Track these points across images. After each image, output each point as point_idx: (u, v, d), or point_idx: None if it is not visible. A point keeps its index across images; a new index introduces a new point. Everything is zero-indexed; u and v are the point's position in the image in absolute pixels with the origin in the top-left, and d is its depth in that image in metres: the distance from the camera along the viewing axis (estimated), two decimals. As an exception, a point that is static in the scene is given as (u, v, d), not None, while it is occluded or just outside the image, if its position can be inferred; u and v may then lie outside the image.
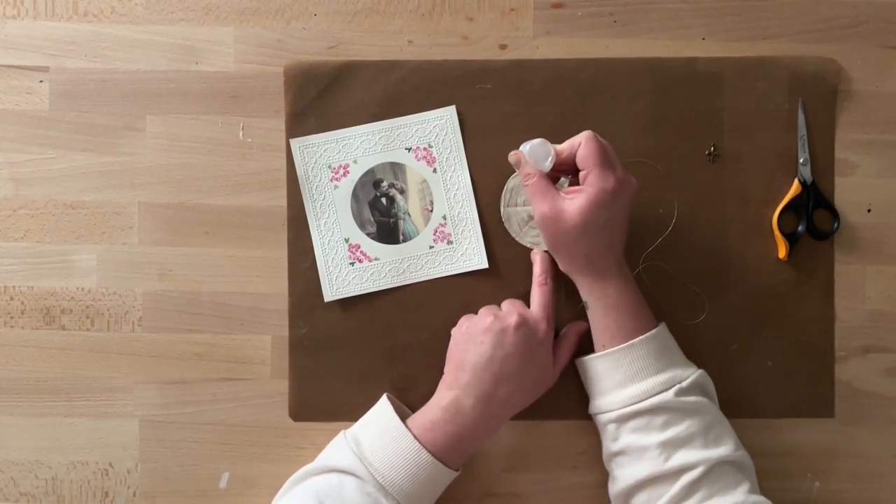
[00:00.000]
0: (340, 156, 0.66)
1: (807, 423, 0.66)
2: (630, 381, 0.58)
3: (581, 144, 0.58)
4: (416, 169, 0.66)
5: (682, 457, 0.55)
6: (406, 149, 0.66)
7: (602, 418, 0.59)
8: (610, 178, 0.56)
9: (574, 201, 0.57)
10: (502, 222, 0.65)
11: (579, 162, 0.58)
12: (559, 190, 0.59)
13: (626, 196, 0.57)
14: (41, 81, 0.66)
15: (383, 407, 0.61)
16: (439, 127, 0.66)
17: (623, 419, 0.57)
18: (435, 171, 0.66)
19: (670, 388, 0.57)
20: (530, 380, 0.60)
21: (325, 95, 0.66)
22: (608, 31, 0.66)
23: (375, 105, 0.66)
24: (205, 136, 0.66)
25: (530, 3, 0.66)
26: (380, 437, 0.59)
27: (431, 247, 0.66)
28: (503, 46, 0.66)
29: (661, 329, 0.60)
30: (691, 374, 0.58)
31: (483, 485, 0.66)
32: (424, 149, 0.66)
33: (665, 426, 0.56)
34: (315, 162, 0.66)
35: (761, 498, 0.55)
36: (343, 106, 0.66)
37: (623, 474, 0.58)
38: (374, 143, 0.66)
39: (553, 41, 0.66)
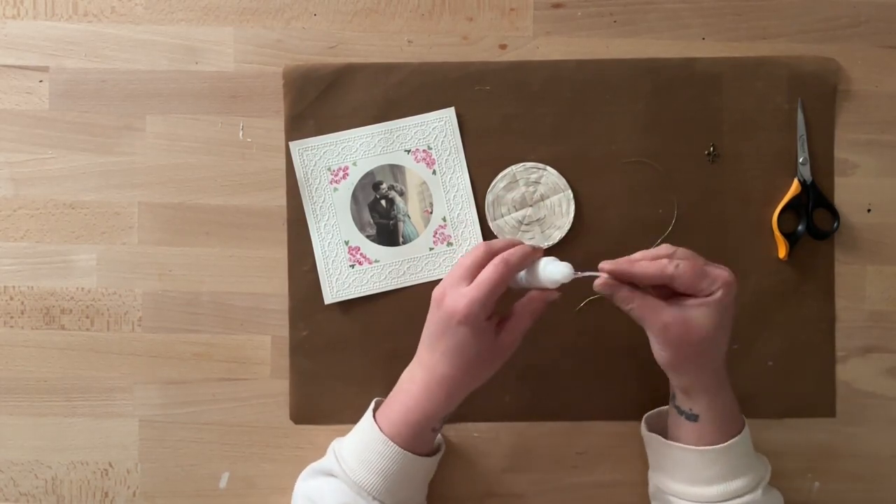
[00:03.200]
0: (340, 158, 0.66)
1: (807, 423, 0.66)
2: (724, 478, 0.56)
3: (672, 275, 0.53)
4: (415, 171, 0.66)
5: None
6: (405, 151, 0.66)
7: (671, 500, 0.59)
8: (724, 275, 0.54)
9: (702, 308, 0.53)
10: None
11: (686, 283, 0.53)
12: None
13: (735, 290, 0.54)
14: (41, 81, 0.66)
15: (369, 410, 0.61)
16: (438, 129, 0.66)
17: None
18: (434, 172, 0.66)
19: (757, 486, 0.57)
20: (465, 358, 0.55)
21: (324, 98, 0.66)
22: (608, 31, 0.66)
23: (375, 107, 0.66)
24: (205, 136, 0.66)
25: (530, 3, 0.66)
26: (355, 434, 0.59)
27: (431, 248, 0.66)
28: (503, 46, 0.66)
29: (747, 426, 0.59)
30: (767, 468, 0.59)
31: (483, 485, 0.66)
32: (424, 151, 0.66)
33: None
34: (314, 164, 0.66)
35: None
36: (342, 108, 0.66)
37: None
38: (374, 145, 0.66)
39: (553, 41, 0.66)
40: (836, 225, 0.65)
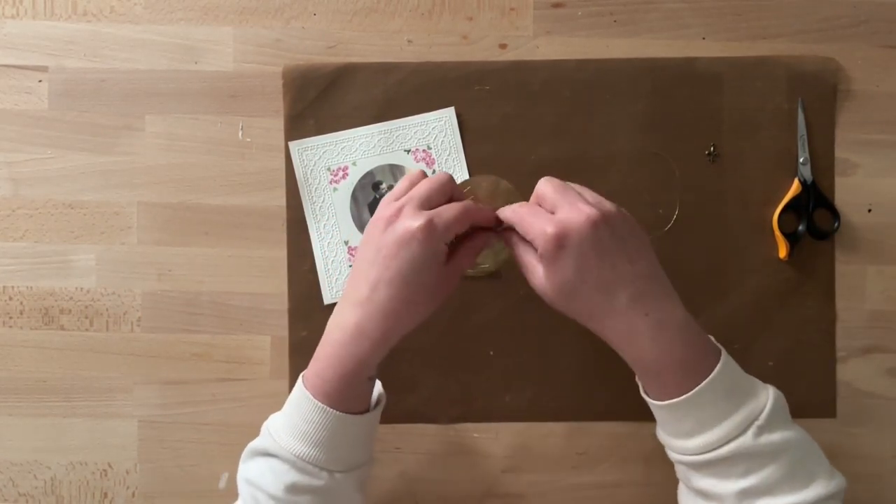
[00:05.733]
0: (339, 158, 0.66)
1: (807, 423, 0.65)
2: (699, 430, 0.49)
3: (509, 214, 0.52)
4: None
5: None
6: (405, 150, 0.66)
7: (671, 455, 0.53)
8: (547, 228, 0.48)
9: (540, 268, 0.50)
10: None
11: (523, 231, 0.51)
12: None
13: (581, 234, 0.48)
14: (40, 81, 0.66)
15: (300, 379, 0.55)
16: (438, 128, 0.66)
17: (696, 466, 0.50)
18: (434, 172, 0.66)
19: (747, 428, 0.48)
20: (414, 283, 0.50)
21: (323, 98, 0.66)
22: (608, 30, 0.66)
23: (374, 107, 0.66)
24: (204, 136, 0.66)
25: (530, 2, 0.66)
26: (289, 406, 0.54)
27: None
28: (503, 46, 0.66)
29: (725, 363, 0.51)
30: (765, 401, 0.50)
31: (483, 485, 0.66)
32: (423, 150, 0.66)
33: (745, 473, 0.48)
34: (314, 164, 0.66)
35: None
36: (342, 108, 0.66)
37: None
38: (373, 144, 0.66)
39: (553, 41, 0.66)
40: (836, 225, 0.65)
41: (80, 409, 0.66)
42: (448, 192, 0.53)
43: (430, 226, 0.49)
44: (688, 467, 0.51)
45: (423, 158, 0.66)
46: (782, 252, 0.65)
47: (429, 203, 0.52)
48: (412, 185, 0.53)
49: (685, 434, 0.50)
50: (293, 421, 0.53)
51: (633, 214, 0.65)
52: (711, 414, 0.49)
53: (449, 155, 0.66)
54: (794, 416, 0.65)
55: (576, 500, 0.66)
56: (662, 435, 0.54)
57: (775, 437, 0.49)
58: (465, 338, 0.66)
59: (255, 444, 0.55)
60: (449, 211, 0.51)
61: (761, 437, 0.48)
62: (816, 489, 0.48)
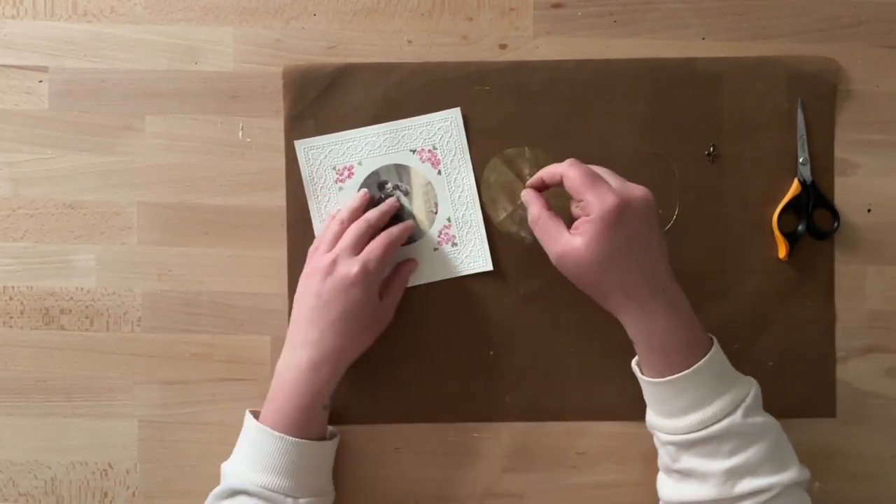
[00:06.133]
0: (345, 157, 0.66)
1: (807, 423, 0.66)
2: (696, 406, 0.53)
3: (563, 175, 0.55)
4: (420, 171, 0.66)
5: (749, 484, 0.52)
6: (411, 150, 0.66)
7: (661, 437, 0.56)
8: (608, 196, 0.52)
9: (582, 236, 0.53)
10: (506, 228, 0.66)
11: (571, 193, 0.55)
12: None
13: (638, 209, 0.53)
14: (40, 81, 0.66)
15: (247, 420, 0.60)
16: (444, 129, 0.66)
17: (688, 445, 0.54)
18: (440, 172, 0.66)
19: (737, 407, 0.53)
20: (357, 322, 0.58)
21: (324, 98, 0.66)
22: (608, 31, 0.66)
23: (375, 107, 0.66)
24: (204, 136, 0.66)
25: (530, 2, 0.66)
26: (244, 446, 0.59)
27: (436, 249, 0.66)
28: (503, 46, 0.66)
29: (717, 346, 0.55)
30: (750, 387, 0.55)
31: (483, 485, 0.66)
32: (429, 151, 0.66)
33: (732, 452, 0.52)
34: (320, 164, 0.66)
35: None
36: (342, 108, 0.66)
37: (684, 491, 0.55)
38: (379, 144, 0.66)
39: (553, 41, 0.66)
40: (836, 225, 0.65)
41: (80, 408, 0.66)
42: (371, 233, 0.60)
43: (365, 270, 0.57)
44: (678, 448, 0.54)
45: (429, 158, 0.66)
46: (782, 252, 0.65)
47: (360, 247, 0.59)
48: (341, 225, 0.61)
49: (680, 411, 0.53)
50: (255, 457, 0.57)
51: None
52: (708, 391, 0.53)
53: (455, 155, 0.66)
54: (793, 416, 0.66)
55: (576, 500, 0.66)
56: (655, 419, 0.56)
57: (759, 419, 0.54)
58: (465, 338, 0.66)
59: (218, 489, 0.58)
60: (375, 251, 0.59)
61: (748, 418, 0.53)
62: (791, 473, 0.53)
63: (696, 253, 0.66)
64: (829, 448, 0.66)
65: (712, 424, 0.52)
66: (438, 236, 0.66)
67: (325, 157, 0.66)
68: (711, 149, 0.66)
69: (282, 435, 0.57)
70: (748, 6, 0.66)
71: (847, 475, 0.66)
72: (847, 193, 0.66)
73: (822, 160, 0.66)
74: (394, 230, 0.62)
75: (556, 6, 0.66)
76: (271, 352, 0.66)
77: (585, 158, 0.65)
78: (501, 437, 0.66)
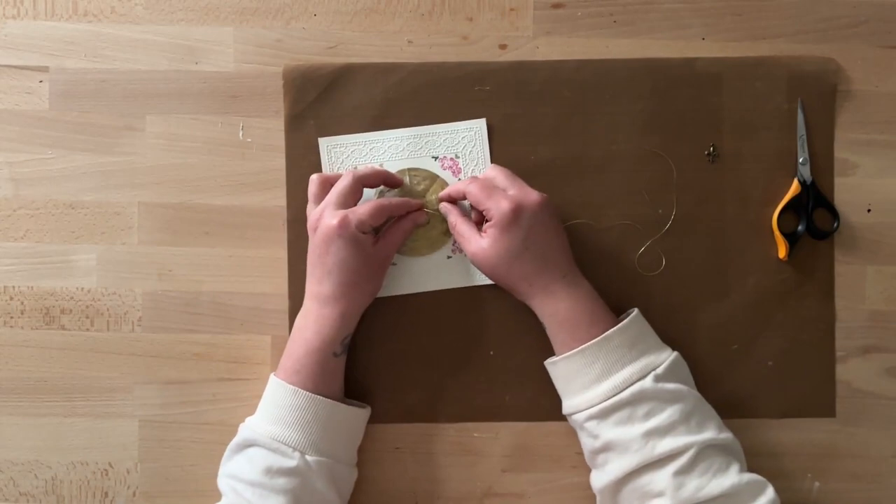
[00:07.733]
0: (368, 158, 0.66)
1: (807, 423, 0.66)
2: (607, 374, 0.57)
3: (465, 191, 0.61)
4: (441, 178, 0.66)
5: (668, 443, 0.55)
6: (433, 157, 0.66)
7: (580, 417, 0.59)
8: (503, 203, 0.58)
9: (486, 238, 0.59)
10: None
11: (474, 205, 0.61)
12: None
13: (531, 211, 0.58)
14: (41, 81, 0.66)
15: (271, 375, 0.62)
16: (468, 138, 0.66)
17: (604, 414, 0.57)
18: (460, 181, 0.66)
19: (647, 374, 0.56)
20: (349, 271, 0.60)
21: (324, 98, 0.66)
22: (608, 31, 0.66)
23: (374, 107, 0.66)
24: (204, 136, 0.66)
25: (530, 3, 0.66)
26: (263, 400, 0.61)
27: (449, 257, 0.66)
28: (503, 46, 0.66)
29: (635, 318, 0.59)
30: (666, 358, 0.58)
31: (483, 485, 0.66)
32: (451, 159, 0.66)
33: (648, 416, 0.56)
34: (342, 162, 0.66)
35: (755, 476, 0.55)
36: (342, 108, 0.66)
37: (609, 469, 0.57)
38: (402, 148, 0.66)
39: (553, 41, 0.66)
40: (836, 225, 0.65)
41: (80, 408, 0.66)
42: (357, 189, 0.61)
43: (344, 221, 0.59)
44: (597, 421, 0.57)
45: (450, 167, 0.66)
46: (782, 252, 0.65)
47: (344, 202, 0.60)
48: (323, 186, 0.62)
49: (593, 381, 0.58)
50: (267, 410, 0.60)
51: (633, 214, 0.66)
52: (617, 358, 0.57)
53: (476, 165, 0.65)
54: (793, 416, 0.66)
55: (576, 500, 0.66)
56: (571, 399, 0.60)
57: (670, 386, 0.57)
58: (465, 338, 0.66)
59: (233, 441, 0.60)
60: (362, 207, 0.60)
61: (658, 384, 0.56)
62: (709, 433, 0.56)
63: (695, 253, 0.66)
64: (828, 448, 0.66)
65: (624, 389, 0.56)
66: (453, 244, 0.65)
67: (347, 157, 0.66)
68: (711, 149, 0.66)
69: (292, 387, 0.58)
70: (748, 6, 0.66)
71: (847, 475, 0.66)
72: (847, 193, 0.66)
73: (822, 160, 0.66)
74: (392, 199, 0.63)
75: (556, 6, 0.66)
76: (271, 352, 0.66)
77: (585, 158, 0.66)
78: (501, 436, 0.66)
